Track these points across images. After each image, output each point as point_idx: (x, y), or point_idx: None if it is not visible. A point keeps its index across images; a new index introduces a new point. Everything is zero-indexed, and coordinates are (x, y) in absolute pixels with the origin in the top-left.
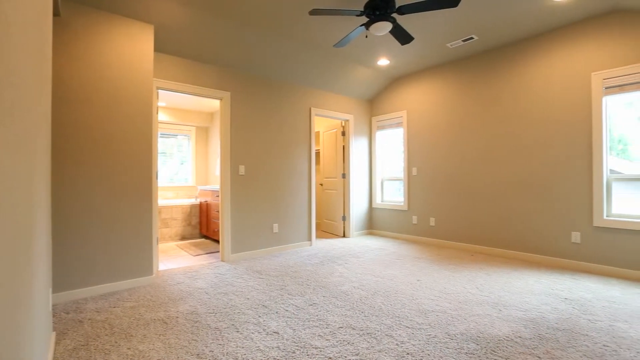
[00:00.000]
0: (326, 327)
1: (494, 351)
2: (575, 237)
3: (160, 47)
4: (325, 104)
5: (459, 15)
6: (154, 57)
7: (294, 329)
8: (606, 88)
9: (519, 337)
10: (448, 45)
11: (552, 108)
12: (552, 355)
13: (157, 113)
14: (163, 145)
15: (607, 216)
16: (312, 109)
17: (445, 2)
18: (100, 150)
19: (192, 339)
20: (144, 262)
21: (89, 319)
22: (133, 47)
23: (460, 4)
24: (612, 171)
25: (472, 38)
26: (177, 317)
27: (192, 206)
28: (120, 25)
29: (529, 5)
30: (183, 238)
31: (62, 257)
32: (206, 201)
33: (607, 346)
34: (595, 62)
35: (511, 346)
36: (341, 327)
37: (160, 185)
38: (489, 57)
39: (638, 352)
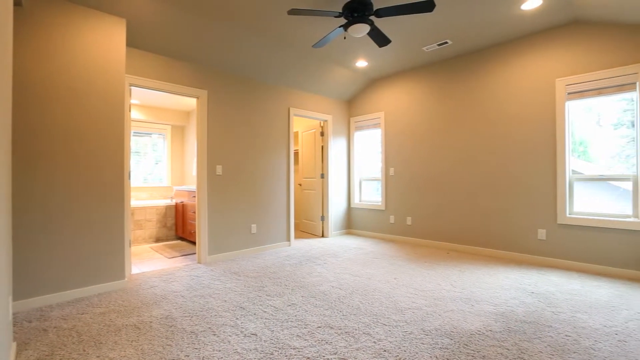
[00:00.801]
0: (305, 327)
1: (466, 345)
2: (541, 234)
3: (133, 42)
4: (304, 104)
5: (435, 20)
6: (126, 53)
7: (272, 330)
8: (569, 93)
9: (490, 330)
10: (424, 48)
11: (520, 111)
12: (520, 347)
13: (129, 111)
14: (136, 144)
15: (569, 214)
16: (291, 109)
17: (421, 7)
18: (68, 150)
19: (167, 344)
20: (115, 266)
21: (55, 327)
22: (103, 41)
23: (435, 10)
24: (574, 171)
25: (446, 43)
26: (151, 322)
27: (168, 207)
28: (90, 17)
29: (498, 13)
30: (158, 240)
31: (24, 262)
32: (182, 202)
33: (569, 336)
34: (559, 68)
35: (482, 340)
36: (320, 327)
37: (133, 185)
38: (462, 61)
39: (596, 341)
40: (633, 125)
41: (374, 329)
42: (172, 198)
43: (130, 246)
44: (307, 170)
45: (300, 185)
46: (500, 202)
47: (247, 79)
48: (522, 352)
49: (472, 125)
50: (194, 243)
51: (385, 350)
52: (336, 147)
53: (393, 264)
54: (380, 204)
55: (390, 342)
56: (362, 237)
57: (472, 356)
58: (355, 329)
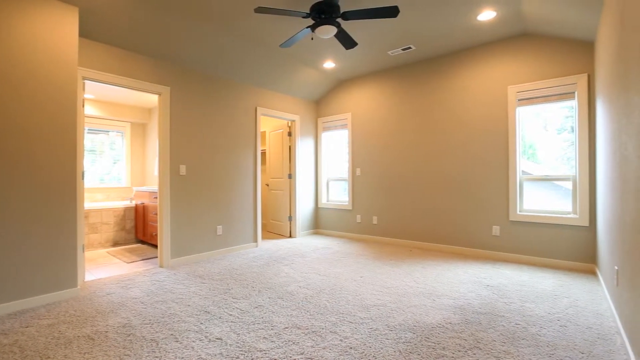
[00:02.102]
0: (271, 329)
1: (427, 338)
2: (496, 230)
3: (88, 33)
4: (271, 104)
5: (399, 25)
6: (80, 44)
7: (238, 334)
8: (519, 100)
9: (449, 323)
10: (389, 52)
11: (476, 115)
12: (476, 336)
13: (83, 106)
14: (92, 142)
15: (519, 211)
16: (258, 108)
17: (386, 12)
18: (11, 147)
19: (124, 354)
20: (66, 273)
21: None
22: (53, 29)
23: (399, 16)
24: (523, 172)
25: (410, 48)
26: (107, 331)
27: (127, 209)
28: (37, 3)
29: (457, 22)
30: (116, 244)
31: None
32: (143, 203)
33: (519, 324)
34: (511, 76)
35: (443, 332)
36: (287, 328)
37: (88, 186)
38: (424, 66)
39: (541, 327)
40: (573, 130)
41: (340, 327)
42: (131, 199)
43: (83, 251)
44: (275, 170)
45: (267, 185)
46: (460, 200)
47: (213, 77)
48: (477, 342)
49: (434, 128)
50: (155, 246)
51: (351, 348)
52: (304, 148)
53: (359, 262)
54: (347, 203)
55: (356, 339)
56: (330, 236)
57: (433, 348)
58: (322, 328)
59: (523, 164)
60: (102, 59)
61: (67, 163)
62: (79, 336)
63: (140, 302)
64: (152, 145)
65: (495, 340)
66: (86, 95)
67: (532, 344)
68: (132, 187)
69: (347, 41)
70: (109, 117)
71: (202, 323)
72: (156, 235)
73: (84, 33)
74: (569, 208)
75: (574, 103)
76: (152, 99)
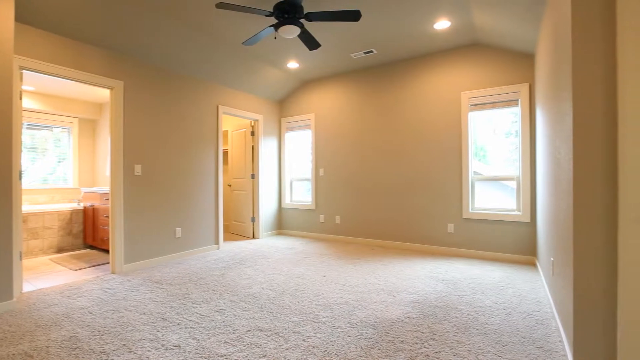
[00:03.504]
0: (233, 333)
1: (387, 333)
2: (450, 227)
3: (26, 18)
4: (234, 103)
5: (361, 29)
6: (17, 30)
7: (198, 340)
8: (471, 105)
9: (408, 317)
10: (352, 55)
11: (433, 118)
12: (432, 329)
13: (20, 99)
14: (33, 139)
15: (471, 210)
16: (220, 106)
17: (348, 16)
18: None
19: None
20: None
21: None
22: None
23: (361, 20)
24: (475, 173)
25: (372, 51)
26: (48, 346)
27: (74, 212)
28: None
29: (416, 30)
30: (60, 250)
31: None
32: (92, 205)
33: (470, 315)
34: (464, 83)
35: (402, 326)
36: (249, 331)
37: (27, 187)
38: (385, 70)
39: (489, 317)
40: (517, 135)
41: (303, 327)
42: (79, 201)
43: (21, 259)
44: (237, 170)
45: (229, 185)
46: (418, 200)
47: (172, 72)
48: (433, 334)
49: (394, 130)
50: (107, 252)
51: (314, 347)
52: (267, 147)
53: (323, 262)
54: (310, 204)
55: (319, 338)
56: (293, 237)
57: (393, 342)
58: (285, 329)
59: (475, 165)
60: (45, 47)
61: (2, 162)
62: (14, 354)
63: (89, 312)
64: (103, 143)
65: (449, 331)
66: (25, 87)
67: (482, 332)
68: (80, 188)
69: (310, 42)
70: (52, 112)
71: (158, 331)
72: (108, 239)
73: (22, 18)
74: (514, 206)
75: (518, 110)
76: (103, 94)
